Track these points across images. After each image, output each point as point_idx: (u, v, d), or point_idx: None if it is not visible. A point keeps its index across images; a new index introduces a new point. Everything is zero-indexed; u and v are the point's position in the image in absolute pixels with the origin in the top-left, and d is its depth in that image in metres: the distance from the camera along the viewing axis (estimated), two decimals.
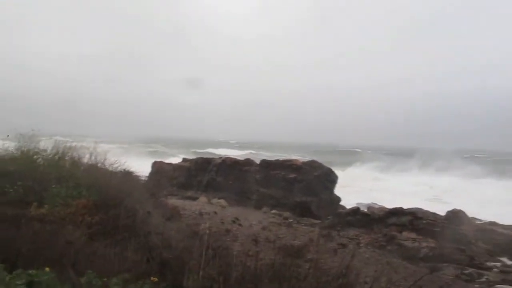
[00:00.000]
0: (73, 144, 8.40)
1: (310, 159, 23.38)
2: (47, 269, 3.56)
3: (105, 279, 3.48)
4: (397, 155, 56.85)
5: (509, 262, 13.35)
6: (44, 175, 6.27)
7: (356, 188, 27.70)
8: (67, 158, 7.72)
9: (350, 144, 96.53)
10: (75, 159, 7.98)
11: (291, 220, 17.24)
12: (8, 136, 7.53)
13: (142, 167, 18.66)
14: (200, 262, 3.49)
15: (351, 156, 61.65)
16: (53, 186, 5.92)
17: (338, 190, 21.63)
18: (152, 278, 3.35)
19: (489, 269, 12.25)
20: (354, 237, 15.13)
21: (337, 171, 22.68)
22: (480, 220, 18.81)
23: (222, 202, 20.17)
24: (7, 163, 6.38)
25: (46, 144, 7.76)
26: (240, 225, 14.75)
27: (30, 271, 3.66)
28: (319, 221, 17.88)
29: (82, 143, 8.99)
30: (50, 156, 7.38)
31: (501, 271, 12.03)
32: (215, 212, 16.46)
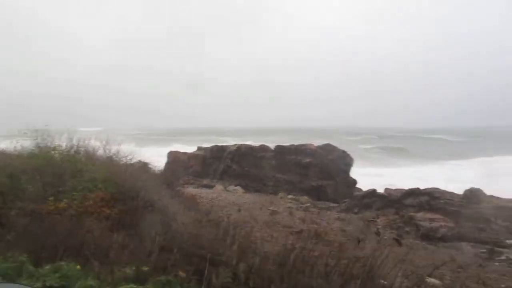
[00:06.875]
0: (86, 137, 8.47)
1: (325, 143, 23.25)
2: (78, 267, 3.68)
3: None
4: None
5: None
6: (61, 170, 6.37)
7: None
8: (81, 152, 7.80)
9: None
10: (89, 153, 8.07)
11: (308, 205, 17.21)
12: (25, 133, 7.62)
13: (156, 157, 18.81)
14: (225, 253, 3.48)
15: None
16: (69, 180, 6.01)
17: None
18: (180, 273, 3.35)
19: (509, 247, 12.08)
20: (372, 219, 14.99)
21: None
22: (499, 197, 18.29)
23: (239, 189, 20.25)
24: (26, 160, 6.50)
25: (61, 139, 7.84)
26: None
27: (58, 264, 3.74)
28: (336, 205, 17.82)
29: (92, 136, 9.05)
30: (65, 151, 7.47)
31: None
32: (233, 202, 16.55)
